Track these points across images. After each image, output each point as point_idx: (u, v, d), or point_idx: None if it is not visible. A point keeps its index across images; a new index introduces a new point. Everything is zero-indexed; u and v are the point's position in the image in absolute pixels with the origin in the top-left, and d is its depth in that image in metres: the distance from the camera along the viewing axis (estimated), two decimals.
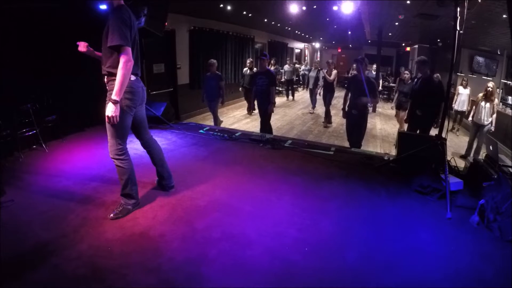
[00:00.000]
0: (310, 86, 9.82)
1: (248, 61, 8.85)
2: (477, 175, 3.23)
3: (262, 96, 5.42)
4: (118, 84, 2.18)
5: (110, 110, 2.20)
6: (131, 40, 2.26)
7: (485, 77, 9.39)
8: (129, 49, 2.22)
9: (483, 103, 5.53)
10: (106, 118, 2.23)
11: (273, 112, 5.58)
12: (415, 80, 5.13)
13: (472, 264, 2.09)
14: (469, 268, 2.05)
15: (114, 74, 2.27)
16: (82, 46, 2.50)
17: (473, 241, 2.35)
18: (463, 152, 6.11)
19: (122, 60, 2.18)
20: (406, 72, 6.75)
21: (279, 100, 10.41)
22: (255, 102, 5.66)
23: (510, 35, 3.31)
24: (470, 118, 5.79)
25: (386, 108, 11.67)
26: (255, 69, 9.16)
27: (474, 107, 5.80)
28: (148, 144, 2.75)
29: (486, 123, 5.52)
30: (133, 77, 2.36)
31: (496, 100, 5.71)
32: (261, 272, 1.94)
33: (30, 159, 3.55)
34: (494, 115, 5.53)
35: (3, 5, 3.39)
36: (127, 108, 2.36)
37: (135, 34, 2.36)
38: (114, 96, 2.18)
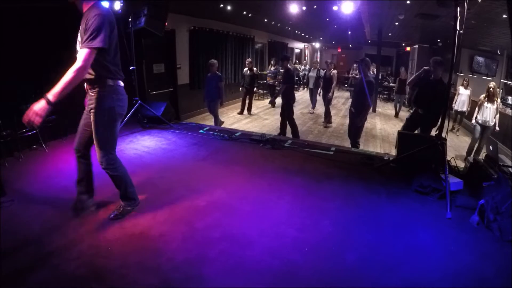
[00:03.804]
0: (311, 85, 9.81)
1: (247, 61, 8.84)
2: (477, 175, 3.23)
3: (283, 96, 5.97)
4: (60, 86, 1.89)
5: (39, 107, 1.83)
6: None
7: (485, 77, 9.39)
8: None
9: (486, 104, 5.50)
10: (30, 116, 1.82)
11: (294, 103, 6.21)
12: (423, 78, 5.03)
13: (472, 264, 2.09)
14: (469, 268, 2.05)
15: (93, 81, 2.15)
16: None
17: (473, 241, 2.35)
18: (463, 152, 6.10)
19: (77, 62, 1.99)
20: None
21: (277, 100, 10.44)
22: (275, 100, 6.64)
23: (510, 35, 3.31)
24: (473, 121, 5.76)
25: (386, 108, 11.67)
26: (254, 69, 9.17)
27: (476, 108, 5.75)
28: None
29: (491, 124, 5.51)
30: (121, 83, 2.27)
31: (498, 100, 5.70)
32: (261, 272, 1.94)
33: (30, 159, 3.55)
34: (497, 116, 5.52)
35: (3, 5, 3.39)
36: (119, 116, 2.28)
37: (115, 37, 2.17)
38: (50, 95, 1.87)
